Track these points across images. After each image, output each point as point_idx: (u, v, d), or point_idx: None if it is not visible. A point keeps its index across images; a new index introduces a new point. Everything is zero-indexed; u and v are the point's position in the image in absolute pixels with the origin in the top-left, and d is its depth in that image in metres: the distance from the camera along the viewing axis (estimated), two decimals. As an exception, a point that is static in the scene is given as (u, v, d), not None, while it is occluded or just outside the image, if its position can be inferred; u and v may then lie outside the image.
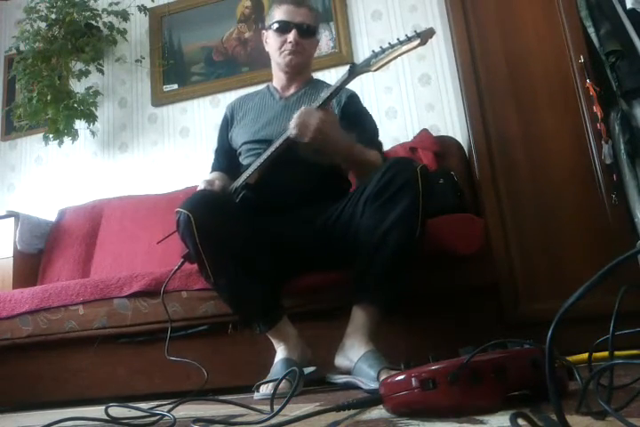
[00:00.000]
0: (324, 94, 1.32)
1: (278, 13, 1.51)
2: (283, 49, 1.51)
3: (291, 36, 1.49)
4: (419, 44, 1.20)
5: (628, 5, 1.68)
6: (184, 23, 2.83)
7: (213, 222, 1.26)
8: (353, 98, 1.57)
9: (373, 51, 1.27)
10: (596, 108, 1.63)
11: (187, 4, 2.83)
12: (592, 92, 1.64)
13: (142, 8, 2.76)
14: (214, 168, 1.65)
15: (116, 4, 2.74)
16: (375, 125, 1.56)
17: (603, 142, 1.61)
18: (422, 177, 1.23)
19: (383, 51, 1.25)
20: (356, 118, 1.47)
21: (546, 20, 1.78)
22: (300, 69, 1.56)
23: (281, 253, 1.38)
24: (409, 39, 1.21)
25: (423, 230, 1.25)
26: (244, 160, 1.56)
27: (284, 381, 1.17)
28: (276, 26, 1.51)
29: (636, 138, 1.64)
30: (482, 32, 1.83)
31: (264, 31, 1.60)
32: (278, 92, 1.61)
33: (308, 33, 1.51)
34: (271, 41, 1.55)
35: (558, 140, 1.70)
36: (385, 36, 2.47)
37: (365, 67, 1.27)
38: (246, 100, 1.67)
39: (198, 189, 1.46)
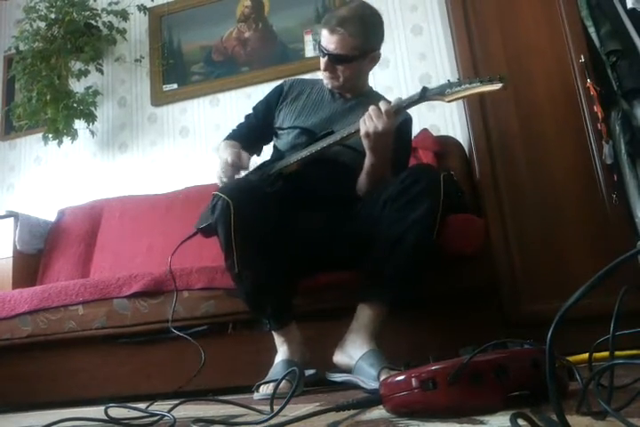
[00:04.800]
0: (392, 106, 1.30)
1: (321, 35, 1.47)
2: (322, 71, 1.50)
3: (322, 64, 1.47)
4: (501, 88, 1.19)
5: (629, 5, 1.68)
6: (184, 23, 2.83)
7: (252, 214, 1.25)
8: (407, 122, 1.54)
9: (449, 80, 1.26)
10: (597, 108, 1.63)
11: (186, 3, 2.83)
12: (593, 92, 1.64)
13: (142, 7, 2.75)
14: (232, 135, 1.61)
15: (116, 3, 2.74)
16: (409, 157, 1.55)
17: (603, 142, 1.61)
18: (445, 183, 1.25)
19: (460, 84, 1.24)
20: (399, 143, 1.43)
21: (546, 19, 1.78)
22: (346, 88, 1.53)
23: (301, 250, 1.37)
24: (490, 81, 1.20)
25: (439, 236, 1.26)
26: (282, 144, 1.53)
27: (284, 381, 1.17)
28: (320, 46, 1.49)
29: (637, 138, 1.64)
30: (482, 31, 1.83)
31: None
32: (337, 92, 1.58)
33: (339, 60, 1.45)
34: None
35: (559, 141, 1.70)
36: (385, 35, 2.46)
37: (438, 95, 1.26)
38: (307, 84, 1.64)
39: (224, 156, 1.42)
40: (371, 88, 1.64)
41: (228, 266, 1.32)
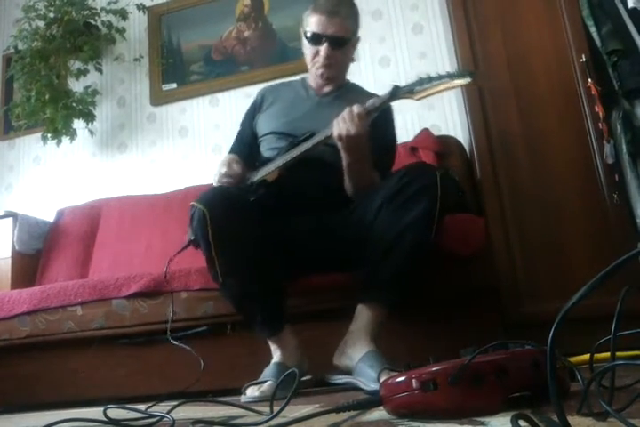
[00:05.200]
0: (365, 108, 1.28)
1: (312, 22, 1.45)
2: (315, 61, 1.49)
3: (322, 50, 1.45)
4: (469, 83, 1.18)
5: (630, 4, 1.67)
6: (183, 22, 2.82)
7: (229, 222, 1.23)
8: (385, 113, 1.53)
9: (420, 77, 1.24)
10: (598, 108, 1.63)
11: (186, 2, 2.83)
12: (594, 92, 1.64)
13: (141, 7, 2.75)
14: (232, 151, 1.63)
15: (115, 2, 2.74)
16: (394, 144, 1.55)
17: (604, 142, 1.61)
18: (442, 181, 1.24)
19: (430, 80, 1.21)
20: (380, 131, 1.43)
21: (547, 18, 1.77)
22: (336, 77, 1.53)
23: (290, 255, 1.36)
24: (461, 75, 1.19)
25: (435, 236, 1.25)
26: (264, 150, 1.54)
27: (270, 383, 1.17)
28: (309, 35, 1.47)
29: (638, 138, 1.64)
30: (483, 31, 1.82)
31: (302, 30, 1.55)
32: (313, 89, 1.58)
33: (340, 44, 1.45)
34: (305, 49, 1.52)
35: (560, 140, 1.69)
36: (386, 34, 2.47)
37: (408, 93, 1.24)
38: (279, 88, 1.65)
39: (218, 169, 1.44)
40: (348, 80, 1.63)
41: (212, 276, 1.32)
